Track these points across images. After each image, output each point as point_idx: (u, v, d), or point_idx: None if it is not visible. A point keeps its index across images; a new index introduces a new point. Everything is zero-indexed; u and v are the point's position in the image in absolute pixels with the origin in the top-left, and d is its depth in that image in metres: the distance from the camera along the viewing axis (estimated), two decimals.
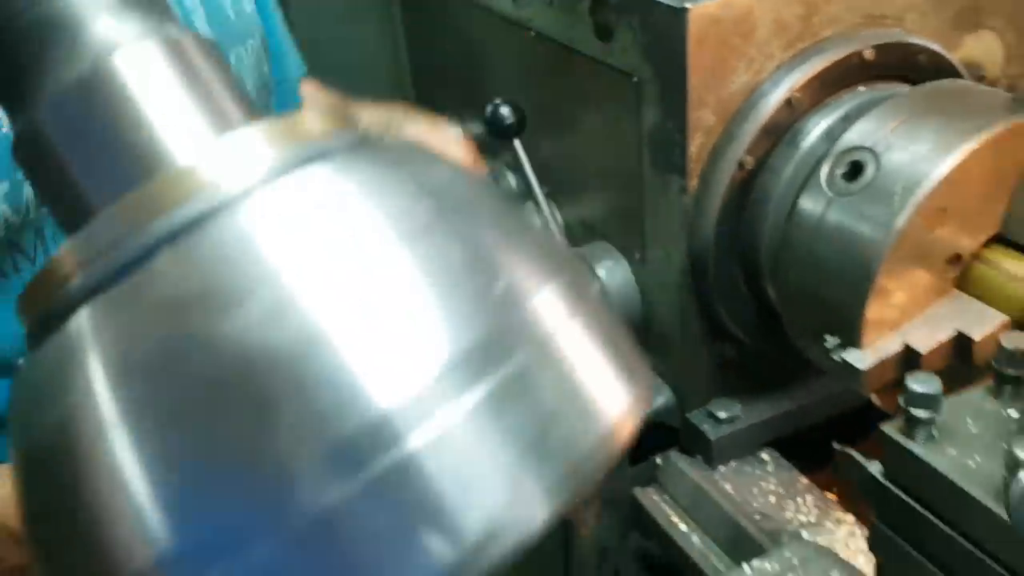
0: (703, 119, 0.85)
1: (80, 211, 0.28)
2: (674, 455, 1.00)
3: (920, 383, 0.58)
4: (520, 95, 1.05)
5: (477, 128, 1.02)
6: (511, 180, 1.25)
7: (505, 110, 0.97)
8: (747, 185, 0.88)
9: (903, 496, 0.61)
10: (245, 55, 0.89)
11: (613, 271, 1.01)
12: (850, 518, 0.92)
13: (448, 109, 1.38)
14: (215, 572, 0.23)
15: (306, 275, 0.26)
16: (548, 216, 1.04)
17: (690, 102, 0.84)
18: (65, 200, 0.29)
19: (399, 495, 0.24)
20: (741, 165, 0.85)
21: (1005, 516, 0.53)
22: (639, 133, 0.90)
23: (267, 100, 0.78)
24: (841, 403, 1.01)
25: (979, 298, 0.78)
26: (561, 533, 1.02)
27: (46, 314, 0.27)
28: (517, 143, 0.99)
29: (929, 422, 0.59)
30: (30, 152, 0.28)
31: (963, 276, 0.79)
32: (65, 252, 0.27)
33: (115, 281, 0.26)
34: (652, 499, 0.98)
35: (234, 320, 0.25)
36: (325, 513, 0.24)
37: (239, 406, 0.24)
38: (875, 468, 0.63)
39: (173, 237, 0.26)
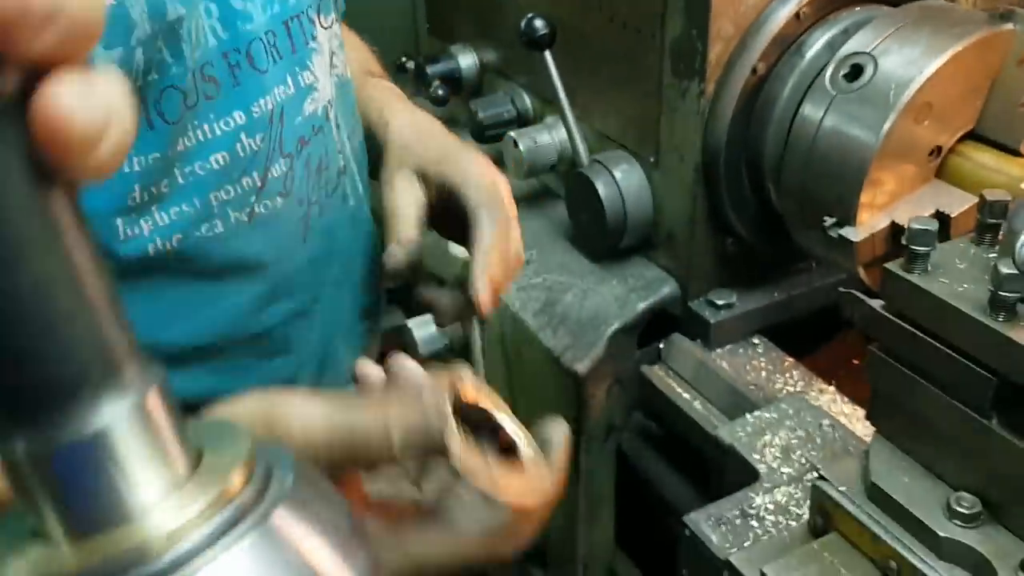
0: (723, 29, 0.97)
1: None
2: (677, 337, 1.13)
3: (920, 222, 0.71)
4: (542, 13, 1.15)
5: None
6: (527, 100, 1.35)
7: (539, 22, 1.07)
8: (756, 91, 1.00)
9: (902, 323, 0.73)
10: None
11: (628, 174, 1.13)
12: (832, 388, 1.06)
13: (463, 37, 1.48)
14: None
15: None
16: (572, 127, 1.15)
17: (713, 13, 0.96)
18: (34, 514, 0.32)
19: None
20: (754, 71, 0.98)
21: (991, 323, 0.66)
22: (662, 42, 1.02)
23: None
24: (822, 298, 1.15)
25: (955, 185, 0.91)
26: (575, 409, 1.14)
27: None
28: (548, 55, 1.09)
29: (926, 256, 0.71)
30: (28, 472, 0.32)
31: (942, 166, 0.92)
32: None
33: None
34: (658, 374, 1.11)
35: None
36: None
37: None
38: (877, 303, 0.76)
39: None
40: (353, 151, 0.90)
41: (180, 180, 0.73)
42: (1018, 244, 0.64)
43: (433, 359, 1.38)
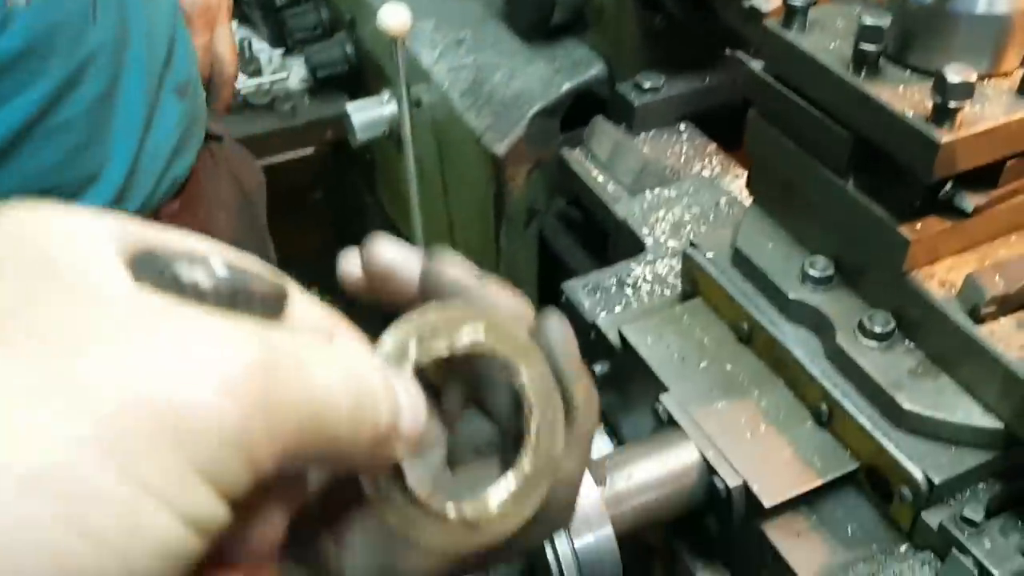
0: None
1: None
2: (599, 119, 1.10)
3: None
4: None
5: None
6: None
7: None
8: None
9: (775, 83, 0.70)
10: None
11: None
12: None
13: None
14: None
15: None
16: None
17: None
18: None
19: None
20: None
21: (849, 79, 0.63)
22: None
23: None
24: None
25: None
26: (494, 191, 1.13)
27: None
28: None
29: (804, 11, 0.68)
30: None
31: None
32: None
33: None
34: (576, 157, 1.09)
35: None
36: None
37: None
38: (756, 64, 0.73)
39: None
40: None
41: None
42: None
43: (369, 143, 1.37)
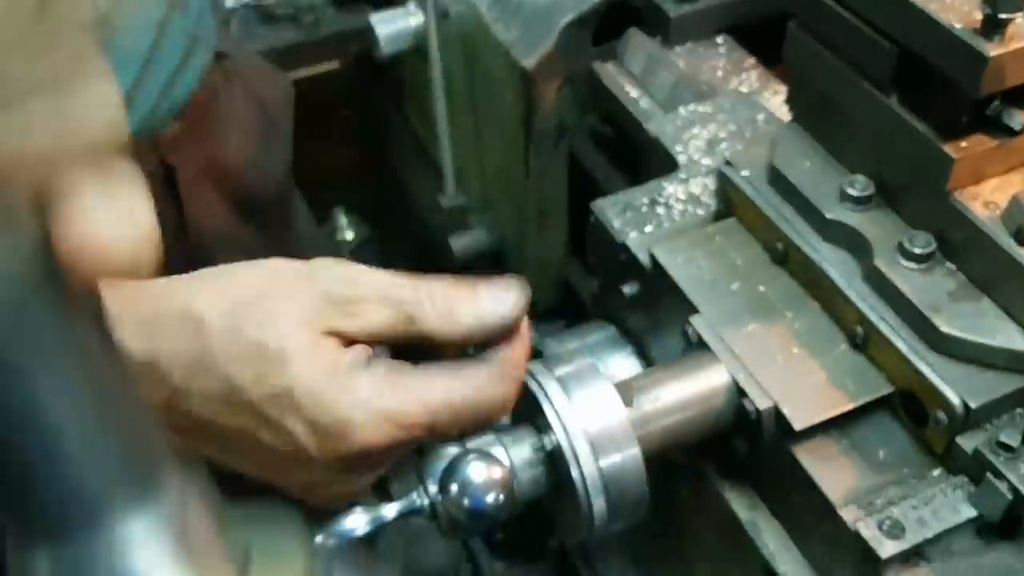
0: None
1: None
2: (633, 32, 1.06)
3: None
4: None
5: None
6: None
7: None
8: None
9: None
10: None
11: None
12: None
13: None
14: None
15: None
16: None
17: None
18: None
19: None
20: None
21: None
22: None
23: None
24: None
25: None
26: (523, 107, 1.11)
27: None
28: None
29: None
30: None
31: None
32: None
33: None
34: (609, 71, 1.06)
35: None
36: None
37: None
38: None
39: None
40: None
41: None
42: None
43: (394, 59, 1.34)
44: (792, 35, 0.72)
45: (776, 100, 0.98)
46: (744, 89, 1.00)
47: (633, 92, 1.02)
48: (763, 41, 1.06)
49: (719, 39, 1.07)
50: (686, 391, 0.66)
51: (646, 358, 0.80)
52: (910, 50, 0.61)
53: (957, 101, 0.61)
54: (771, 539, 0.69)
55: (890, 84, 0.64)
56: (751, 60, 1.04)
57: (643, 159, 0.95)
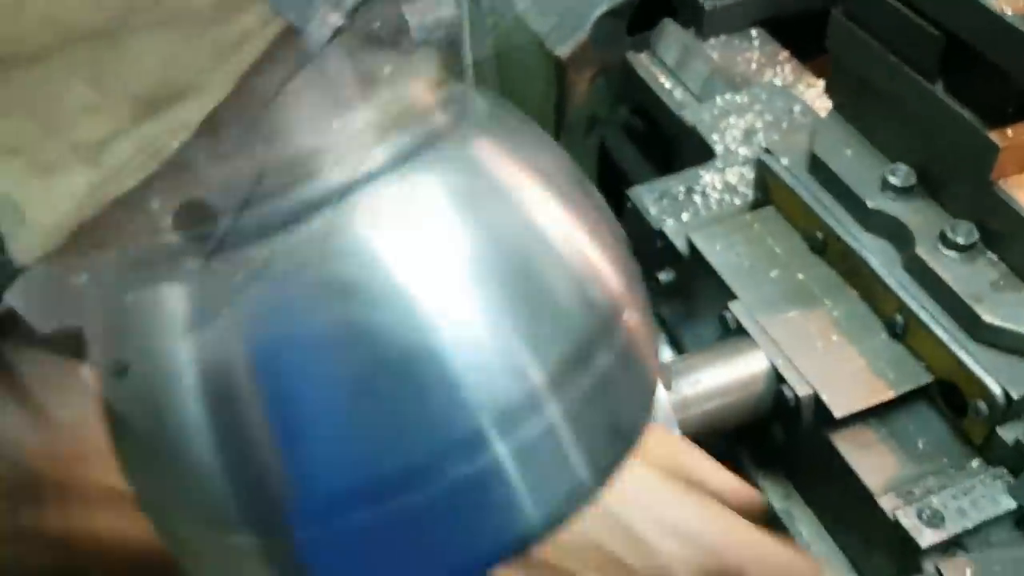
0: None
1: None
2: (667, 23, 1.06)
3: None
4: None
5: None
6: None
7: None
8: None
9: None
10: None
11: None
12: (821, 83, 1.00)
13: None
14: (365, 513, 0.28)
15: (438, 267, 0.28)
16: None
17: None
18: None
19: (509, 475, 0.29)
20: None
21: None
22: None
23: None
24: None
25: None
26: (555, 97, 1.11)
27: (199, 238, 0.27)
28: None
29: None
30: None
31: None
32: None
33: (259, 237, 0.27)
34: (643, 62, 1.06)
35: (384, 316, 0.27)
36: (454, 483, 0.28)
37: (396, 388, 0.27)
38: None
39: (316, 207, 0.27)
40: None
41: None
42: None
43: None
44: (834, 22, 0.72)
45: (810, 93, 0.98)
46: (778, 82, 1.00)
47: (667, 83, 1.02)
48: (796, 36, 1.06)
49: (753, 32, 1.06)
50: (725, 377, 0.66)
51: (678, 347, 0.80)
52: (958, 37, 0.61)
53: (1004, 89, 0.60)
54: (805, 527, 0.69)
55: (936, 72, 0.64)
56: (785, 53, 1.04)
57: (677, 149, 0.95)
